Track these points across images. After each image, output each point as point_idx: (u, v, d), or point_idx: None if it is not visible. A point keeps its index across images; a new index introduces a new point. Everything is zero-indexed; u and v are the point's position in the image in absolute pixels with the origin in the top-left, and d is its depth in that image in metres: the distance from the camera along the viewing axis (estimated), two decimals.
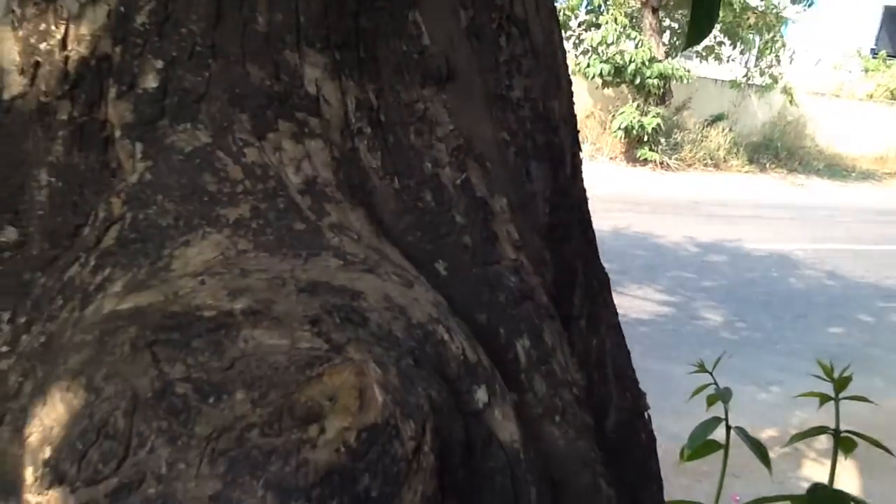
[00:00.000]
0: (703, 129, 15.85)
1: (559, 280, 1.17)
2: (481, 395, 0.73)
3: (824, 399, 1.90)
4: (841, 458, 1.82)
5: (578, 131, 1.27)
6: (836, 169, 18.40)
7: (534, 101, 1.12)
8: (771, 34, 15.19)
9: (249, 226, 0.74)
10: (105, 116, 0.82)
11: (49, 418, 0.58)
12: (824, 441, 5.31)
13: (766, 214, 13.04)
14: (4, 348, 0.74)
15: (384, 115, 0.93)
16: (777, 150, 16.74)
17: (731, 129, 15.95)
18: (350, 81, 0.89)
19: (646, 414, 1.39)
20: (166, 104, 0.79)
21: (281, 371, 0.58)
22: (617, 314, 1.36)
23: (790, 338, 7.24)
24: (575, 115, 1.24)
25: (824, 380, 1.81)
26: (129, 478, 0.54)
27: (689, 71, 14.98)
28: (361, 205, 0.84)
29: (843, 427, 1.83)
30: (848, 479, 4.05)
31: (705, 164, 15.50)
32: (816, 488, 1.76)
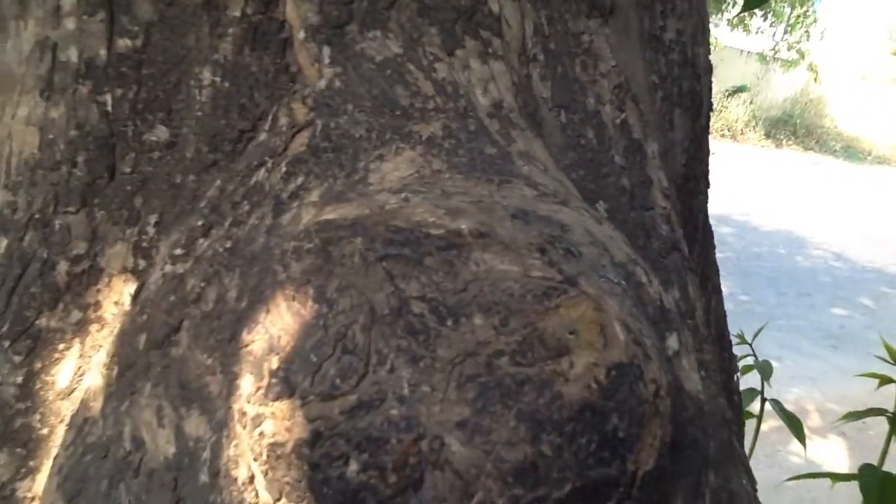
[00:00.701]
0: (724, 99, 15.66)
1: (684, 233, 1.14)
2: (672, 342, 0.71)
3: (885, 381, 1.89)
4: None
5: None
6: (853, 151, 18.28)
7: (683, 45, 1.08)
8: (804, 8, 14.93)
9: (442, 145, 0.70)
10: (283, 16, 0.77)
11: (275, 327, 0.54)
12: (816, 419, 5.36)
13: (778, 190, 13.00)
14: (178, 251, 0.71)
15: (553, 43, 0.89)
16: (796, 126, 16.59)
17: (751, 102, 15.79)
18: (528, 3, 0.85)
19: (735, 376, 1.38)
20: (354, 8, 0.74)
21: (517, 299, 0.55)
22: (719, 273, 1.33)
23: (792, 314, 7.27)
24: (711, 66, 1.19)
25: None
26: (368, 396, 0.51)
27: (716, 38, 14.78)
28: (539, 136, 0.80)
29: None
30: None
31: (722, 135, 15.37)
32: (866, 468, 1.75)
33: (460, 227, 0.58)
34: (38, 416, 0.82)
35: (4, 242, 0.84)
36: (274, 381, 0.53)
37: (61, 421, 0.82)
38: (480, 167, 0.71)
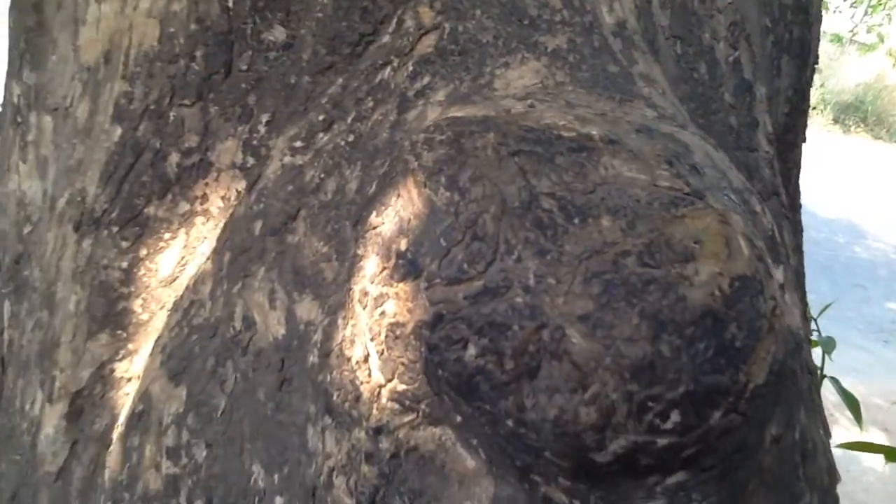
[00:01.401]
0: None
1: None
2: (779, 275, 0.70)
3: None
4: None
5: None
6: None
7: None
8: None
9: (566, 59, 0.70)
10: None
11: (405, 211, 0.55)
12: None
13: (841, 177, 12.67)
14: (298, 143, 0.72)
15: None
16: (866, 113, 16.09)
17: (822, 84, 15.34)
18: None
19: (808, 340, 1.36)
20: None
21: (644, 205, 0.55)
22: (802, 233, 1.32)
23: (844, 306, 7.12)
24: (821, 16, 1.17)
25: None
26: (494, 283, 0.52)
27: None
28: (657, 61, 0.80)
29: None
30: None
31: None
32: None
33: (590, 132, 0.59)
34: (139, 302, 0.85)
35: (119, 132, 0.87)
36: (401, 262, 0.54)
37: (162, 307, 0.85)
38: (602, 84, 0.70)
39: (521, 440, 0.56)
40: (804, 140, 1.16)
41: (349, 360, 0.59)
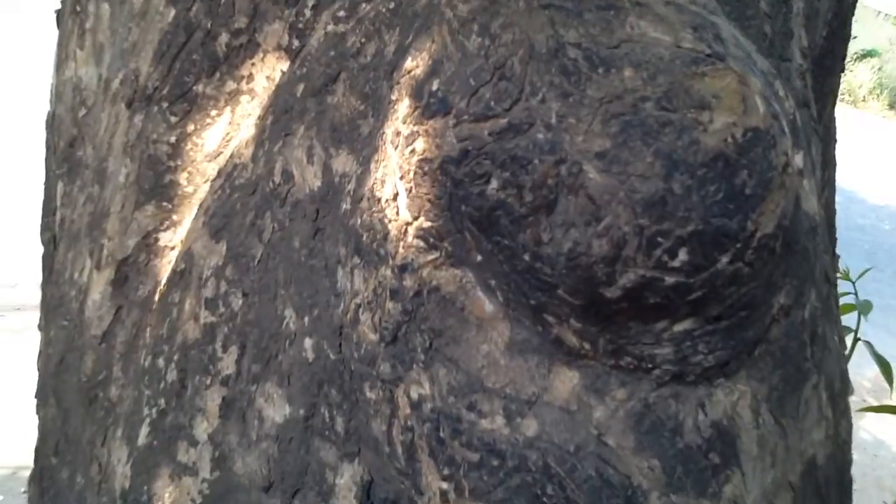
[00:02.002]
0: (851, 62, 14.88)
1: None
2: (798, 160, 0.72)
3: None
4: None
5: None
6: None
7: None
8: None
9: None
10: None
11: (439, 55, 0.59)
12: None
13: (892, 165, 12.40)
14: (341, 13, 0.75)
15: None
16: None
17: (880, 68, 14.95)
18: None
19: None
20: None
21: (666, 62, 0.58)
22: (836, 168, 1.32)
23: (886, 293, 7.02)
24: None
25: None
26: (518, 120, 0.56)
27: None
28: None
29: None
30: None
31: (842, 100, 14.68)
32: None
33: None
34: (185, 175, 0.90)
35: (172, 13, 0.91)
36: (432, 100, 0.57)
37: (206, 181, 0.89)
38: None
39: (536, 276, 0.59)
40: (842, 70, 1.17)
41: (379, 200, 0.62)
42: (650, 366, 0.63)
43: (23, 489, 2.98)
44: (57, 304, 1.01)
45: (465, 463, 0.65)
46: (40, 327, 1.15)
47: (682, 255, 0.56)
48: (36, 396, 1.08)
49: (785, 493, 0.73)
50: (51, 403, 1.02)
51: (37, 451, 1.10)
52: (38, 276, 1.15)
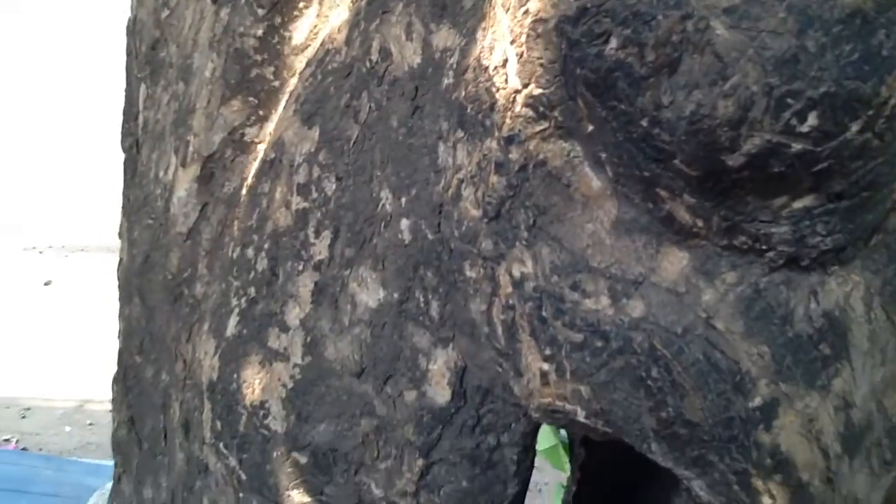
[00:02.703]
0: None
1: None
2: None
3: None
4: None
5: None
6: None
7: None
8: None
9: None
10: None
11: None
12: None
13: None
14: None
15: None
16: None
17: None
18: None
19: None
20: None
21: None
22: None
23: None
24: None
25: None
26: None
27: None
28: None
29: None
30: None
31: None
32: None
33: None
34: (272, 69, 0.89)
35: None
36: None
37: (293, 74, 0.88)
38: None
39: (652, 144, 0.57)
40: None
41: (486, 69, 0.60)
42: (764, 247, 0.60)
43: (89, 421, 3.07)
44: (141, 205, 1.02)
45: (567, 343, 0.64)
46: (121, 234, 1.17)
47: (812, 119, 0.53)
48: (119, 298, 1.10)
49: (893, 394, 0.71)
50: (135, 303, 1.04)
51: (120, 351, 1.12)
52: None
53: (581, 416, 0.66)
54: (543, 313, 0.64)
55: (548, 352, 0.65)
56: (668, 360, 0.62)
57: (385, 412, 0.75)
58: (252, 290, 0.82)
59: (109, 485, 2.42)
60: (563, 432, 1.68)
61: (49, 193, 4.43)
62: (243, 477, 0.85)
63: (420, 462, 0.75)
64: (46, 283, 3.79)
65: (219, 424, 0.87)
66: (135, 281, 1.03)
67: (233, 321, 0.84)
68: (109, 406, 3.20)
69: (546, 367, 0.65)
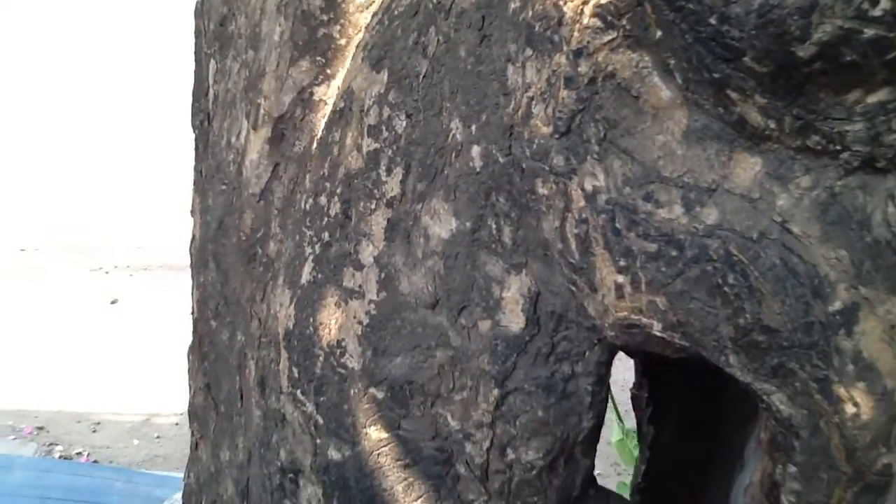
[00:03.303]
0: None
1: None
2: None
3: None
4: None
5: None
6: None
7: None
8: None
9: None
10: None
11: None
12: None
13: None
14: None
15: None
16: None
17: None
18: None
19: None
20: None
21: None
22: None
23: None
24: None
25: None
26: None
27: None
28: None
29: None
30: None
31: None
32: None
33: None
34: (338, 28, 0.91)
35: None
36: None
37: (358, 32, 0.91)
38: None
39: (721, 42, 0.57)
40: None
41: None
42: (838, 147, 0.60)
43: (157, 434, 3.13)
44: (214, 172, 1.05)
45: (641, 254, 0.65)
46: (193, 210, 1.20)
47: (885, 2, 0.53)
48: (194, 266, 1.13)
49: None
50: (210, 268, 1.07)
51: (195, 320, 1.15)
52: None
53: (657, 329, 0.67)
54: (617, 225, 0.65)
55: (622, 263, 0.65)
56: (745, 265, 0.63)
57: (459, 343, 0.76)
58: (325, 235, 0.84)
59: (177, 495, 2.47)
60: (630, 423, 1.66)
61: (113, 217, 4.56)
62: (320, 421, 0.87)
63: (495, 392, 0.76)
64: (113, 302, 3.89)
65: (295, 371, 0.89)
66: (209, 247, 1.06)
67: (307, 269, 0.87)
68: (176, 420, 3.26)
69: (621, 279, 0.66)
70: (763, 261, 0.62)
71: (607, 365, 0.77)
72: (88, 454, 2.95)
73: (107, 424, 3.18)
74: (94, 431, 3.12)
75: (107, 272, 4.14)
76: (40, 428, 3.08)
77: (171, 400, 3.25)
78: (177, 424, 3.18)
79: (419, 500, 0.83)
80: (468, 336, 0.76)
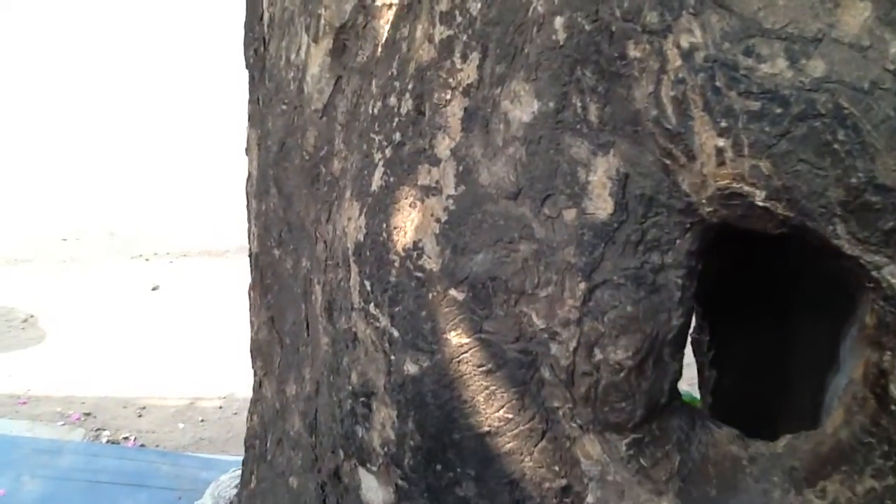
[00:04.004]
0: None
1: None
2: None
3: None
4: None
5: None
6: None
7: None
8: None
9: None
10: None
11: None
12: None
13: None
14: None
15: None
16: None
17: None
18: None
19: None
20: None
21: None
22: None
23: None
24: None
25: None
26: None
27: None
28: None
29: None
30: None
31: None
32: None
33: None
34: None
35: None
36: None
37: None
38: None
39: None
40: None
41: None
42: None
43: (201, 418, 3.14)
44: (273, 95, 1.03)
45: (743, 114, 0.61)
46: (248, 148, 1.18)
47: None
48: (254, 197, 1.11)
49: None
50: (272, 193, 1.04)
51: (256, 255, 1.13)
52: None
53: (760, 198, 0.63)
54: (716, 84, 0.61)
55: (723, 125, 0.62)
56: (856, 119, 0.59)
57: (544, 234, 0.73)
58: (397, 136, 0.81)
59: (223, 477, 2.47)
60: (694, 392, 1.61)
61: (152, 205, 4.59)
62: (395, 334, 0.84)
63: (582, 286, 0.73)
64: (154, 289, 3.90)
65: (368, 285, 0.86)
66: (270, 173, 1.04)
67: (377, 175, 0.84)
68: (219, 403, 3.26)
69: (722, 142, 0.62)
70: (876, 113, 0.58)
71: (698, 256, 0.73)
72: (135, 438, 2.97)
73: (152, 409, 3.20)
74: (140, 416, 3.14)
75: (147, 259, 4.16)
76: (87, 414, 3.10)
77: (214, 384, 3.26)
78: (220, 408, 3.19)
79: (501, 410, 0.80)
80: (552, 227, 0.73)
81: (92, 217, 4.35)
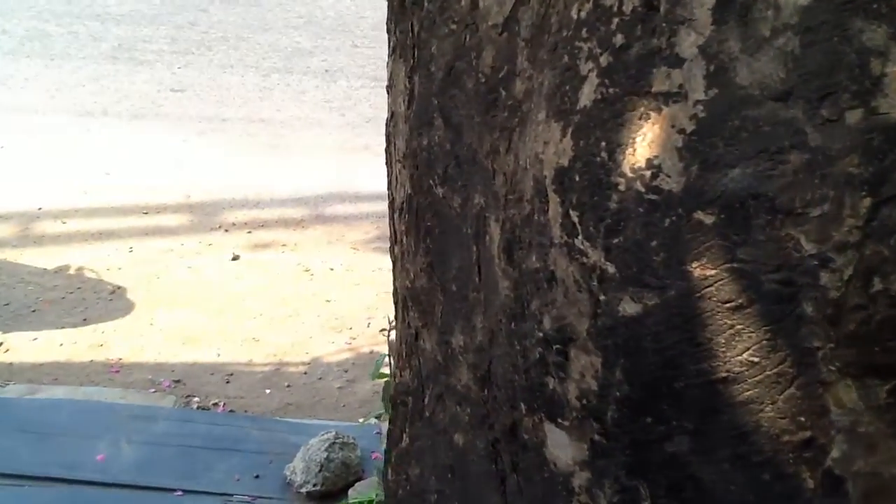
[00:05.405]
0: None
1: None
2: None
3: None
4: None
5: None
6: None
7: None
8: None
9: None
10: None
11: None
12: None
13: None
14: None
15: None
16: None
17: None
18: None
19: None
20: None
21: None
22: None
23: None
24: None
25: None
26: None
27: None
28: None
29: None
30: None
31: None
32: None
33: None
34: None
35: None
36: None
37: None
38: None
39: None
40: None
41: None
42: None
43: (287, 384, 3.13)
44: (437, 16, 0.92)
45: None
46: (391, 85, 1.08)
47: None
48: (410, 131, 1.01)
49: None
50: (436, 126, 0.94)
51: (409, 196, 1.03)
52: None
53: None
54: None
55: None
56: None
57: (820, 141, 0.61)
58: (619, 38, 0.69)
59: (313, 440, 2.43)
60: None
61: (227, 175, 4.56)
62: (610, 270, 0.73)
63: (866, 202, 0.61)
64: (234, 259, 3.87)
65: (574, 216, 0.75)
66: (435, 102, 0.94)
67: (587, 88, 0.73)
68: (304, 369, 3.23)
69: None
70: None
71: None
72: (224, 404, 2.97)
73: (239, 375, 3.21)
74: (228, 382, 3.15)
75: (226, 230, 4.13)
76: (177, 381, 3.12)
77: (299, 350, 3.25)
78: (305, 373, 3.20)
79: (746, 353, 0.69)
80: (831, 132, 0.60)
81: (169, 188, 4.35)
